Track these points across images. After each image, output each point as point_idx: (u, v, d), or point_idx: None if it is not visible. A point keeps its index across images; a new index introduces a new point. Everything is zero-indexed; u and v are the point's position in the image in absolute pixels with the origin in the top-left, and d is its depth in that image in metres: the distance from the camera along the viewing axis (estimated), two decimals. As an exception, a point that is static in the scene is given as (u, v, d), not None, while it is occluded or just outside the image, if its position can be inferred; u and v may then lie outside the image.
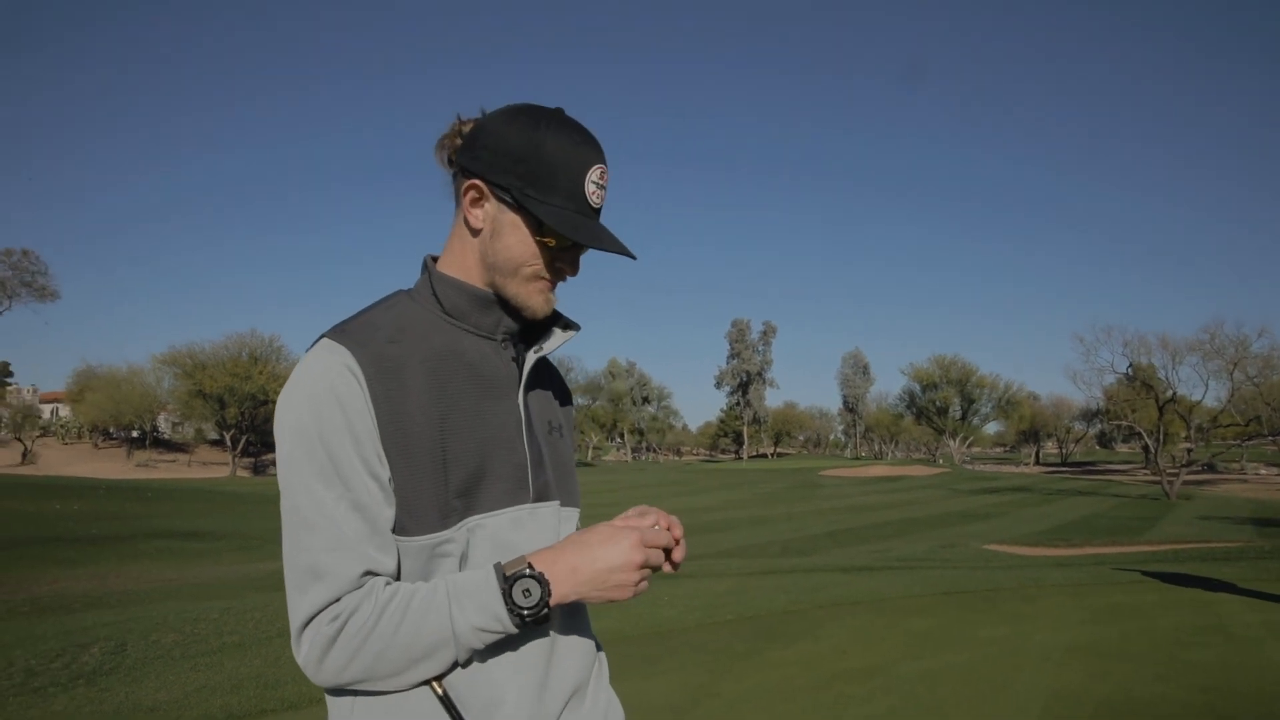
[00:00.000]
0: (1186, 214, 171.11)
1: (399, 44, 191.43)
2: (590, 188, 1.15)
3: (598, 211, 1.18)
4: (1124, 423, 59.37)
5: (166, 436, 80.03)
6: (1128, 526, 29.34)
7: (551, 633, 1.18)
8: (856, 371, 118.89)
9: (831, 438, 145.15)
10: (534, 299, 1.19)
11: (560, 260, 1.19)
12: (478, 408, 1.15)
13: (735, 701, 4.55)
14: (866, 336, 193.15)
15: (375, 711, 1.08)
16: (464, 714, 1.09)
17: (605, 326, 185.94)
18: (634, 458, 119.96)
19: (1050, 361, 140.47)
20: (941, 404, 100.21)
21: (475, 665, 1.10)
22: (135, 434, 73.11)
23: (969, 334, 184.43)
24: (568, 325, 1.28)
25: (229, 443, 68.07)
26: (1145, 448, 60.53)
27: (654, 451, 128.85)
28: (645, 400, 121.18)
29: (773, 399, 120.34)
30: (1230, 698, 4.33)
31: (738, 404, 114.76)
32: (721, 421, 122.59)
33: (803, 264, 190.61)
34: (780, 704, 4.49)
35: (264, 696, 5.06)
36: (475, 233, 1.18)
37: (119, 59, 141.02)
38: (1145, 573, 8.78)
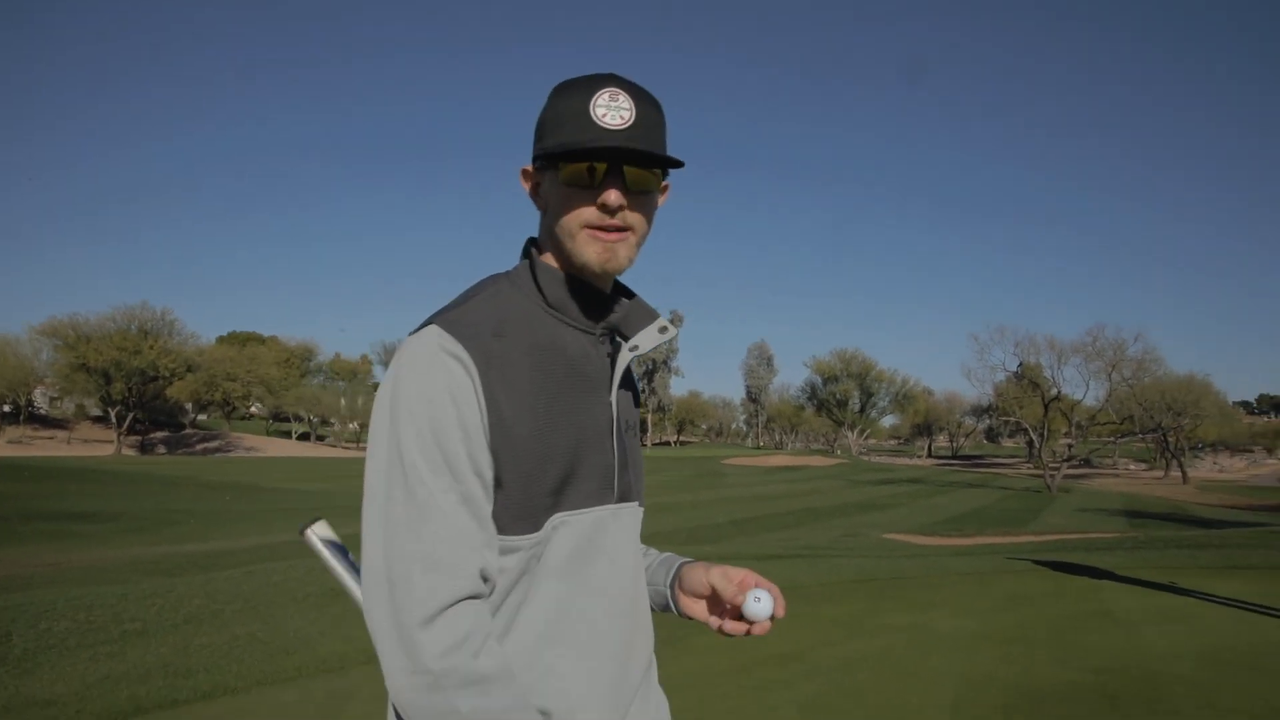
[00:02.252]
0: (1078, 222, 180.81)
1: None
2: (600, 111, 1.08)
3: (624, 132, 1.08)
4: (1011, 419, 62.33)
5: (43, 412, 75.55)
6: (1015, 518, 30.91)
7: (630, 631, 1.20)
8: (761, 362, 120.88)
9: (734, 427, 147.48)
10: (585, 251, 1.12)
11: (601, 198, 1.09)
12: (576, 405, 1.12)
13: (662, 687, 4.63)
14: (772, 328, 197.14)
15: None
16: (545, 706, 1.08)
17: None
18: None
19: (946, 358, 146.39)
20: (841, 396, 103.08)
21: (552, 663, 1.09)
22: (8, 408, 68.74)
23: (870, 329, 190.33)
24: (665, 328, 1.22)
25: (114, 420, 64.70)
26: (1029, 443, 63.66)
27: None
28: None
29: (677, 388, 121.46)
30: (1118, 677, 4.65)
31: (643, 392, 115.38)
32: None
33: (712, 254, 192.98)
34: (706, 689, 4.59)
35: (175, 686, 4.86)
36: (544, 215, 1.19)
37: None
38: (1035, 561, 9.28)
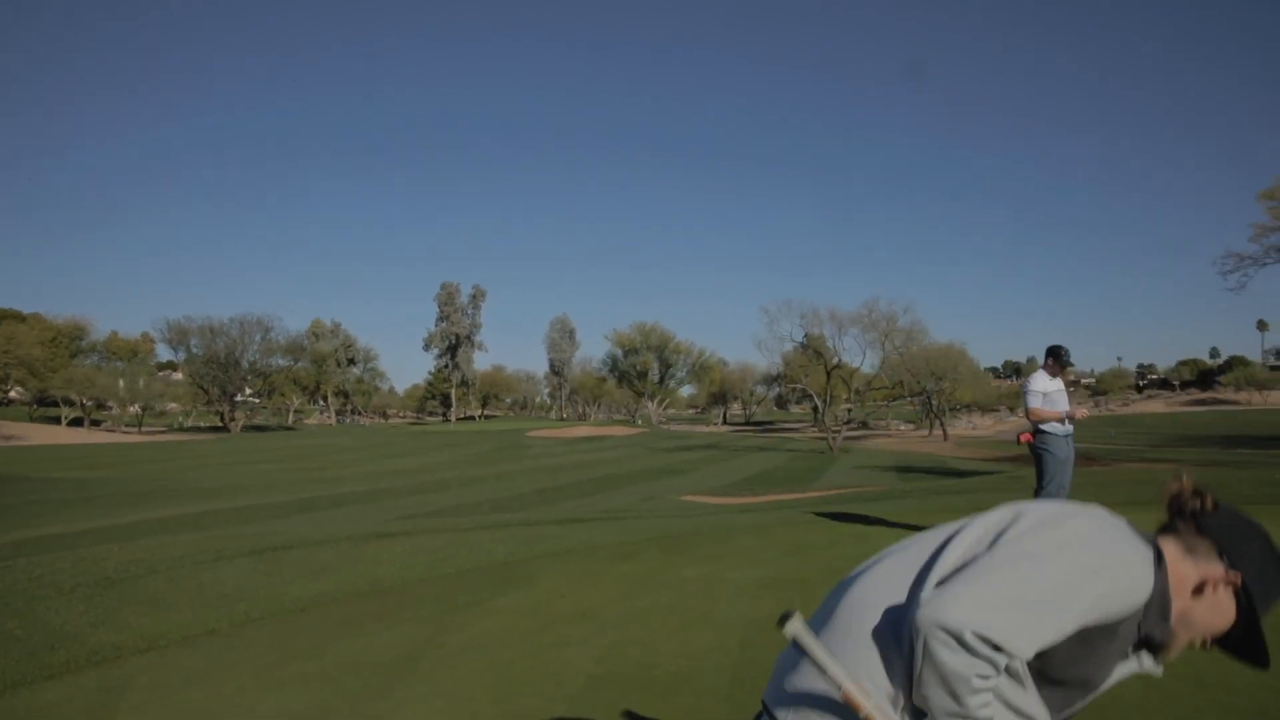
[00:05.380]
0: (855, 203, 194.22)
1: None
2: None
3: None
4: (798, 386, 66.44)
5: None
6: (801, 476, 33.15)
7: None
8: (563, 336, 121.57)
9: (538, 400, 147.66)
10: (1178, 649, 1.40)
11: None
12: None
13: (460, 650, 4.65)
14: (573, 302, 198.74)
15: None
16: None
17: (309, 285, 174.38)
18: (338, 421, 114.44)
19: (738, 330, 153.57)
20: (641, 368, 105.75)
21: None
22: None
23: (668, 301, 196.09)
24: None
25: None
26: (815, 408, 68.18)
27: (359, 414, 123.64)
28: (351, 362, 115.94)
29: (481, 362, 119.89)
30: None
31: (446, 367, 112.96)
32: (429, 384, 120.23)
33: (512, 230, 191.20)
34: (504, 649, 4.66)
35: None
36: (1197, 589, 1.38)
37: None
38: (817, 514, 10.03)
